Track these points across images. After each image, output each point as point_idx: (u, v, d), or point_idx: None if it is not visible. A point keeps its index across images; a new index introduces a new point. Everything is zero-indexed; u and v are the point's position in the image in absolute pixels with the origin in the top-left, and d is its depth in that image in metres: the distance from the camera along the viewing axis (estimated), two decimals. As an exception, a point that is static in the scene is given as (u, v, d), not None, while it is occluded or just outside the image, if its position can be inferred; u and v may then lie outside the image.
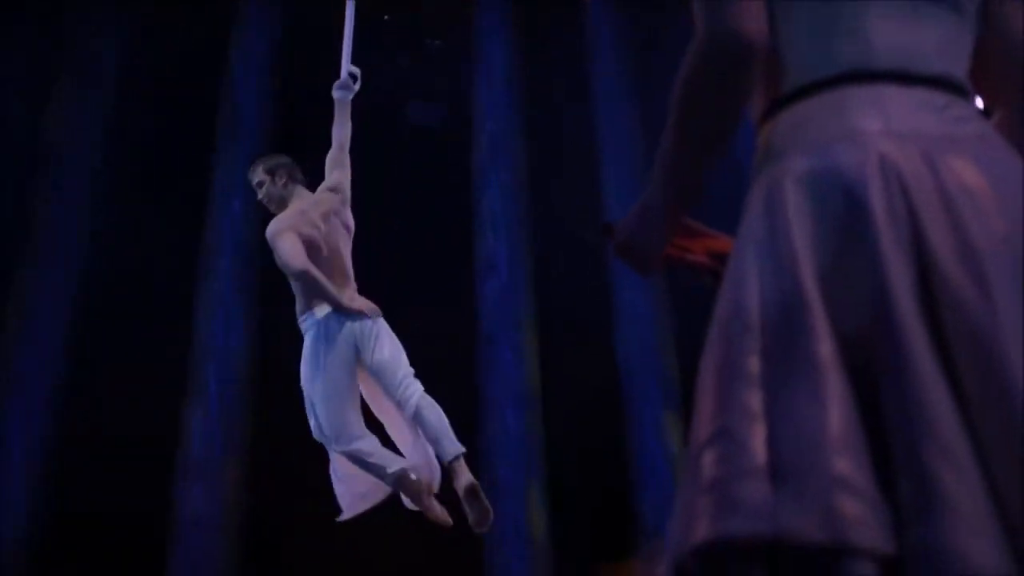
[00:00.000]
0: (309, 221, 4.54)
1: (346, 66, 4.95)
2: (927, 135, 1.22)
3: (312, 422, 4.48)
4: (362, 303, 4.57)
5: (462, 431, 8.51)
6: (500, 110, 9.73)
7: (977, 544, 0.95)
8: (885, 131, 1.22)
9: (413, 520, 7.59)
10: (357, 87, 4.89)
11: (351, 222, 4.75)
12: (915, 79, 1.30)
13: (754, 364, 1.10)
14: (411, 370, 4.51)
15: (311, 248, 4.49)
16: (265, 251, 9.47)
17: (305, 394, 4.52)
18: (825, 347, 1.07)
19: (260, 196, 4.76)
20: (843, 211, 1.16)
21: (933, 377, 1.02)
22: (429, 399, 4.44)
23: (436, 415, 4.41)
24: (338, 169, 4.80)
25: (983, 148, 1.23)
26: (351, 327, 4.49)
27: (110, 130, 9.53)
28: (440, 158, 9.99)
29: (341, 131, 4.86)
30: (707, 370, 1.16)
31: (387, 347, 4.50)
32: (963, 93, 1.33)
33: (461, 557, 8.07)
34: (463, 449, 4.36)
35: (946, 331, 1.06)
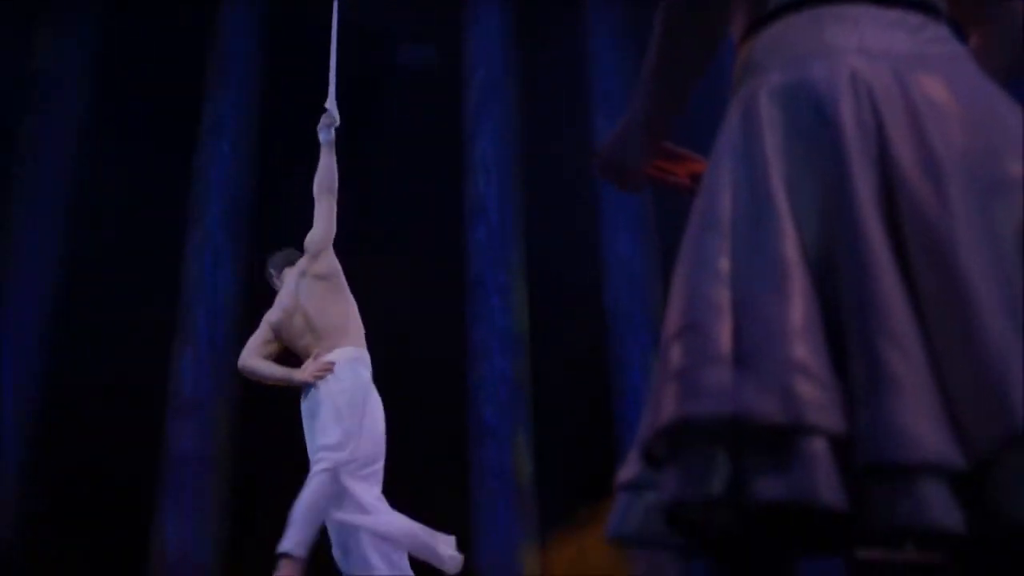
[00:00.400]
0: (279, 305, 4.65)
1: (332, 102, 4.77)
2: (899, 53, 1.26)
3: None
4: (307, 371, 4.41)
5: (450, 374, 8.61)
6: (493, 52, 9.66)
7: (921, 425, 1.00)
8: (859, 48, 1.26)
9: (400, 461, 7.68)
10: (337, 123, 4.77)
11: (325, 268, 4.60)
12: (891, 0, 1.32)
13: (723, 264, 1.15)
14: (330, 442, 4.22)
15: (282, 328, 4.58)
16: (254, 193, 9.47)
17: None
18: (791, 248, 1.12)
19: None
20: (814, 122, 1.21)
21: (889, 275, 1.07)
22: (315, 483, 4.18)
23: (304, 500, 4.16)
24: (317, 221, 4.66)
25: (953, 67, 1.27)
26: (304, 402, 4.43)
27: (98, 71, 9.47)
28: (430, 101, 9.94)
29: (321, 178, 4.67)
30: (679, 272, 1.21)
31: (319, 415, 4.32)
32: (938, 15, 1.36)
33: (446, 499, 8.18)
34: (288, 550, 4.03)
35: (905, 235, 1.11)
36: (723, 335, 1.09)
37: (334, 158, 4.74)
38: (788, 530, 1.09)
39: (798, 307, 1.07)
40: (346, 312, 4.61)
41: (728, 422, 1.04)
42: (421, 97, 10.03)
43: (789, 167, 1.19)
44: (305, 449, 4.43)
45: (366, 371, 4.53)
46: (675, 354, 1.11)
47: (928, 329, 1.06)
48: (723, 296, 1.12)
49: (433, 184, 9.54)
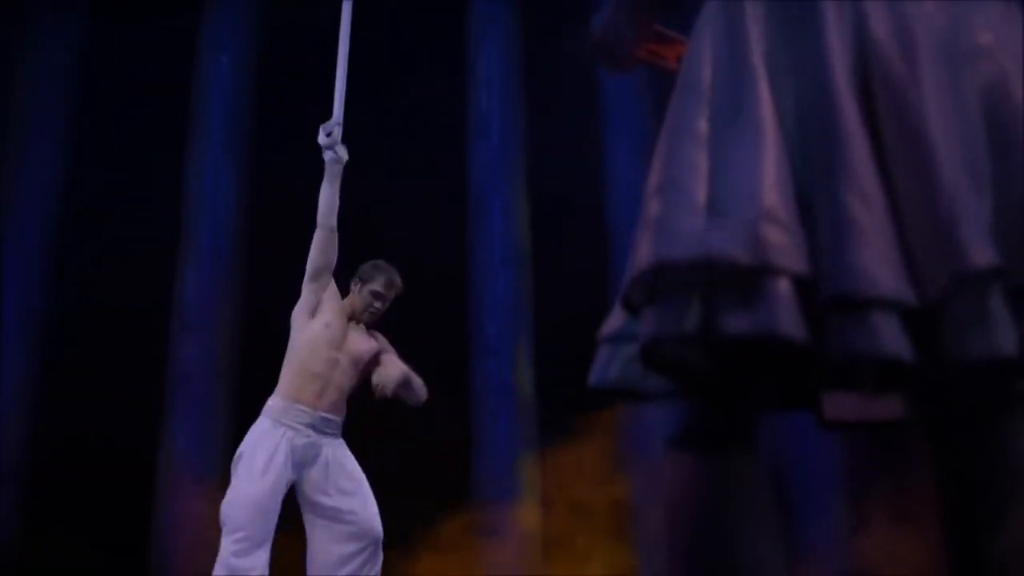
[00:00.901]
0: None
1: (338, 113, 4.24)
2: None
3: None
4: None
5: (452, 292, 8.67)
6: (495, -31, 9.55)
7: (879, 265, 1.07)
8: None
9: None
10: (338, 140, 4.26)
11: (293, 313, 4.49)
12: None
13: (702, 126, 1.20)
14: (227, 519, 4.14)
15: None
16: (255, 106, 9.41)
17: None
18: (767, 112, 1.17)
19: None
20: None
21: (858, 137, 1.13)
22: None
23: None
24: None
25: None
26: None
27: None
28: (431, 19, 9.84)
29: (318, 208, 4.23)
30: (662, 136, 1.25)
31: None
32: None
33: (447, 414, 8.29)
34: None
35: (877, 104, 1.16)
36: (698, 189, 1.15)
37: (335, 187, 4.20)
38: (757, 376, 1.16)
39: (770, 163, 1.13)
40: (287, 360, 4.39)
41: (700, 265, 1.10)
42: (421, 16, 9.93)
43: (768, 37, 1.23)
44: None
45: (265, 420, 4.25)
46: (652, 207, 1.17)
47: (892, 187, 1.11)
48: (700, 156, 1.18)
49: (435, 103, 9.48)
